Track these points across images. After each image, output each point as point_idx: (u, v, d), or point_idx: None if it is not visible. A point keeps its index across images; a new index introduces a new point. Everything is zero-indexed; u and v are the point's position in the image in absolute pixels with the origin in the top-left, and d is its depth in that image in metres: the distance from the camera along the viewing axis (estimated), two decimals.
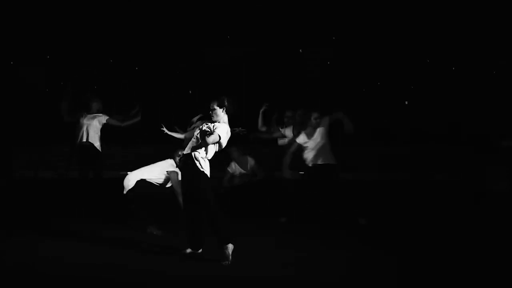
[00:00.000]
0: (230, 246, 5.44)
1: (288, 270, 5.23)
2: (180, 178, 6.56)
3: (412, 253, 5.91)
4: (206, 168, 5.58)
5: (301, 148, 7.52)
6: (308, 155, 7.49)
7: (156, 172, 6.90)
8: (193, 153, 5.54)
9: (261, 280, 4.93)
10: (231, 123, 5.73)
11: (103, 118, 8.28)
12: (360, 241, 6.41)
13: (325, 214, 7.61)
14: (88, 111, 8.33)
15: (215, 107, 5.62)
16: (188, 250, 5.70)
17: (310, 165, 7.48)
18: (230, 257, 5.39)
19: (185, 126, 6.73)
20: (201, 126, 5.68)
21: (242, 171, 8.56)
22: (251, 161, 8.57)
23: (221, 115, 5.63)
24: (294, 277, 5.05)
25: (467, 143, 12.33)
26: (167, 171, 6.88)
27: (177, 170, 6.80)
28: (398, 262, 5.56)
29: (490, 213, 8.30)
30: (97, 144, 8.21)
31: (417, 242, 6.40)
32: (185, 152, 5.64)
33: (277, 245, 6.18)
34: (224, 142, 5.62)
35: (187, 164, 5.59)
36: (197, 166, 5.52)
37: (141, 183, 6.81)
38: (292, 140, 7.72)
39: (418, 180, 11.31)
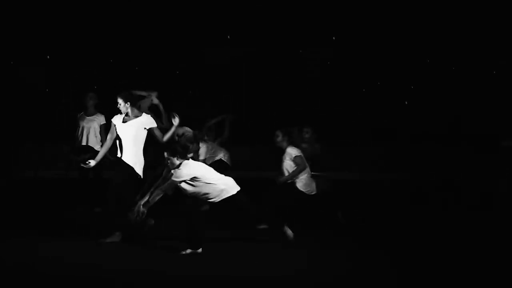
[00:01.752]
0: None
1: (288, 270, 5.23)
2: None
3: (412, 253, 5.91)
4: None
5: None
6: None
7: None
8: None
9: (261, 280, 4.93)
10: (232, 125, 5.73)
11: (101, 120, 8.20)
12: (359, 241, 6.41)
13: (325, 214, 7.61)
14: (85, 110, 8.26)
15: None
16: (188, 251, 5.71)
17: None
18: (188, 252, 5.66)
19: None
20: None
21: None
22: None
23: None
24: (293, 277, 5.05)
25: (467, 143, 12.32)
26: None
27: None
28: (398, 261, 5.57)
29: (490, 213, 8.31)
30: (97, 146, 8.15)
31: (417, 242, 6.40)
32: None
33: (276, 245, 6.17)
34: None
35: None
36: None
37: None
38: None
39: (418, 180, 11.30)
